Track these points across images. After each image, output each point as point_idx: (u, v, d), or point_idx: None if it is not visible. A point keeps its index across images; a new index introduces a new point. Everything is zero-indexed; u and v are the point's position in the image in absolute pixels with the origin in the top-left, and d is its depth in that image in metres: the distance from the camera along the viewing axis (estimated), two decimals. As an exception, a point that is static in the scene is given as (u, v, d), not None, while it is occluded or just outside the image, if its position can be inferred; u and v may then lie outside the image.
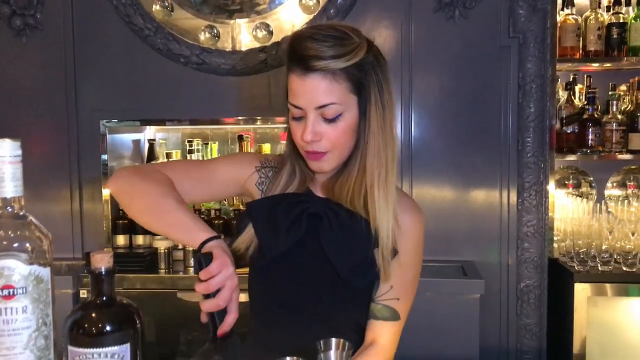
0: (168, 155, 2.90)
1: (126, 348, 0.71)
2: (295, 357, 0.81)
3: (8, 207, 0.74)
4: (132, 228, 2.68)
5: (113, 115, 2.70)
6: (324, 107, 1.15)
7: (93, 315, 0.72)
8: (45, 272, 0.73)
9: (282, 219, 1.22)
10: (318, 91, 1.14)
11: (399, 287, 1.24)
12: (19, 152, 0.74)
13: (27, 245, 0.73)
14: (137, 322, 0.74)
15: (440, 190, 2.64)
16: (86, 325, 0.71)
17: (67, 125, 2.76)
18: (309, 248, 1.23)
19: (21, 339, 0.70)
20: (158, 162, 1.11)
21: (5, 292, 0.69)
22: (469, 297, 2.35)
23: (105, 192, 2.70)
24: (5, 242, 0.72)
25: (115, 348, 0.70)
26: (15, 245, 0.73)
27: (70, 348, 0.70)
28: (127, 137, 2.87)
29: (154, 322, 2.43)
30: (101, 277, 0.73)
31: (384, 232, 1.20)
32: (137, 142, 2.94)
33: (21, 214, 0.75)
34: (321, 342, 0.85)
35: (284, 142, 1.34)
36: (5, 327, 0.70)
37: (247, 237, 1.26)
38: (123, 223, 2.69)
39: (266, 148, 2.81)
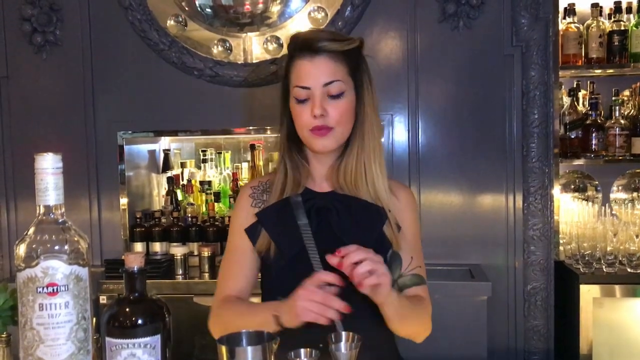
0: (182, 165, 2.99)
1: (157, 339, 0.79)
2: (309, 349, 0.88)
3: (50, 214, 0.83)
4: (149, 235, 2.76)
5: (130, 126, 2.79)
6: (330, 84, 1.32)
7: (127, 309, 0.80)
8: (83, 272, 0.82)
9: (292, 218, 1.33)
10: (325, 70, 1.33)
11: (416, 256, 1.38)
12: (60, 164, 0.83)
13: (68, 247, 0.82)
14: (167, 316, 0.82)
15: (447, 195, 2.71)
16: (121, 319, 0.79)
17: (86, 137, 2.84)
18: (324, 240, 1.31)
19: (64, 332, 0.79)
20: (216, 295, 1.29)
21: (50, 289, 0.78)
22: (477, 299, 2.41)
23: (123, 201, 2.79)
24: (49, 245, 0.81)
25: (147, 339, 0.78)
26: (57, 247, 0.81)
27: (107, 339, 0.78)
28: (143, 148, 2.96)
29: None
30: (134, 275, 0.81)
31: (385, 202, 1.36)
32: (152, 152, 3.03)
33: (61, 220, 0.84)
34: (332, 335, 0.92)
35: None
36: (50, 320, 0.78)
37: (265, 240, 1.37)
38: (140, 231, 2.77)
39: (277, 156, 2.89)
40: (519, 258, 2.67)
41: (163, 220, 2.79)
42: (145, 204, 2.96)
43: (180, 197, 2.90)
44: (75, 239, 0.83)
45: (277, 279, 1.38)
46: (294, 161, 1.42)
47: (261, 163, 2.90)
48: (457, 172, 2.70)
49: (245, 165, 2.93)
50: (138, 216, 2.79)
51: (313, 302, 1.13)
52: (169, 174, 2.95)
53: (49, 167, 0.81)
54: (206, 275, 2.62)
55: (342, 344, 0.90)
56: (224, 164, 2.97)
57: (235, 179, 2.90)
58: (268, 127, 2.74)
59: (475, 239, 2.69)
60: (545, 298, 2.64)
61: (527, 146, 2.63)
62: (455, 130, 2.69)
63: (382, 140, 1.48)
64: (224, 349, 0.86)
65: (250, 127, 2.75)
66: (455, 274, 2.59)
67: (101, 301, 2.55)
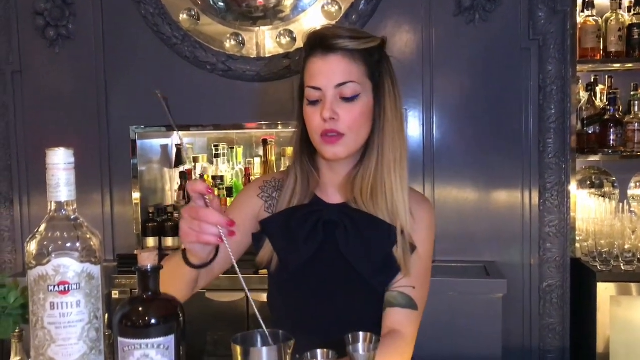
0: (195, 160, 2.98)
1: (171, 339, 0.77)
2: (326, 350, 0.86)
3: (62, 210, 0.81)
4: (162, 230, 2.75)
5: (142, 121, 2.78)
6: (342, 85, 1.22)
7: (140, 309, 0.78)
8: (95, 270, 0.80)
9: (298, 230, 1.26)
10: (338, 69, 1.22)
11: (414, 275, 1.25)
12: (72, 159, 0.81)
13: (79, 245, 0.80)
14: (181, 315, 0.80)
15: (462, 191, 2.67)
16: (134, 318, 0.77)
17: (99, 131, 2.84)
18: (329, 256, 1.26)
19: (75, 331, 0.77)
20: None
21: (61, 287, 0.76)
22: (492, 297, 2.38)
23: (135, 195, 2.78)
24: (60, 242, 0.79)
25: (160, 339, 0.76)
26: (69, 245, 0.80)
27: (120, 339, 0.76)
28: (156, 142, 2.95)
29: (182, 321, 2.48)
30: (147, 273, 0.79)
31: (403, 220, 1.23)
32: (165, 147, 3.02)
33: (73, 216, 0.82)
34: (349, 335, 0.90)
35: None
36: (61, 319, 0.76)
37: (267, 251, 1.30)
38: (153, 225, 2.76)
39: (290, 151, 2.86)
40: (534, 255, 2.64)
41: (175, 215, 2.78)
42: (158, 198, 2.95)
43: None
44: (88, 236, 0.82)
45: (280, 293, 1.33)
46: (304, 168, 1.32)
47: (273, 158, 2.88)
48: (472, 167, 2.66)
49: (257, 161, 2.91)
50: (150, 211, 2.79)
51: (193, 220, 1.00)
52: (182, 168, 2.94)
53: (60, 162, 0.79)
54: (218, 270, 2.60)
55: (360, 345, 0.87)
56: (236, 159, 2.95)
57: (247, 174, 2.88)
58: (280, 122, 2.71)
59: (491, 236, 2.66)
60: (561, 296, 2.61)
61: (543, 142, 2.59)
62: (471, 126, 2.66)
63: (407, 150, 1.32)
64: (238, 349, 0.84)
65: (263, 122, 2.73)
66: (470, 271, 2.56)
67: (113, 296, 2.55)
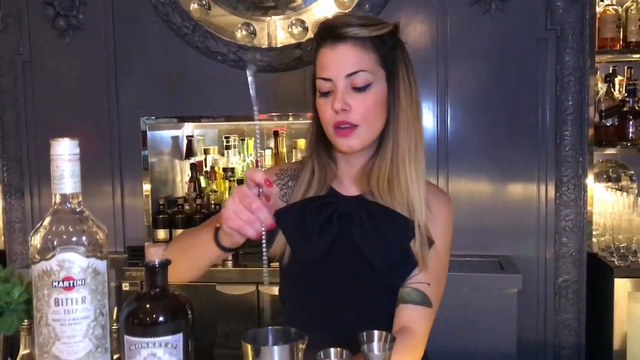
0: (206, 151, 2.95)
1: (179, 337, 0.74)
2: (339, 349, 0.83)
3: (67, 203, 0.78)
4: (172, 222, 2.73)
5: (153, 112, 2.76)
6: (353, 75, 1.18)
7: (147, 306, 0.75)
8: (101, 265, 0.77)
9: (312, 222, 1.23)
10: (348, 59, 1.18)
11: (429, 271, 1.21)
12: (77, 150, 0.78)
13: (85, 239, 0.77)
14: (189, 312, 0.77)
15: (476, 184, 2.63)
16: (141, 316, 0.74)
17: (109, 123, 2.82)
18: (343, 249, 1.22)
19: (80, 328, 0.74)
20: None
21: (66, 283, 0.73)
22: (507, 291, 2.34)
23: (146, 187, 2.76)
24: (65, 236, 0.76)
25: (168, 337, 0.73)
26: (74, 239, 0.77)
27: (126, 337, 0.73)
28: (167, 134, 2.93)
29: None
30: (155, 269, 0.76)
31: (418, 213, 1.20)
32: (175, 138, 3.00)
33: (79, 209, 0.79)
34: (363, 334, 0.87)
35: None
36: (66, 316, 0.74)
37: (280, 244, 1.26)
38: (163, 217, 2.74)
39: (301, 143, 2.84)
40: (550, 250, 2.59)
41: (186, 207, 2.76)
42: (169, 190, 2.93)
43: (203, 183, 2.87)
44: (94, 229, 0.79)
45: (292, 287, 1.30)
46: (321, 160, 1.29)
47: (285, 150, 2.85)
48: (487, 160, 2.61)
49: (268, 152, 2.88)
50: (161, 203, 2.77)
51: (242, 207, 0.99)
52: (192, 160, 2.92)
53: (65, 153, 0.76)
54: (229, 263, 2.58)
55: (375, 344, 0.84)
56: (247, 150, 2.92)
57: (258, 166, 2.85)
58: (291, 114, 2.68)
59: (505, 230, 2.61)
60: (576, 291, 2.56)
61: (560, 134, 2.54)
62: (486, 118, 2.61)
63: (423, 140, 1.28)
64: (249, 347, 0.81)
65: (274, 114, 2.70)
66: (484, 266, 2.52)
67: (124, 288, 2.54)
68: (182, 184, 3.01)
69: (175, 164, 2.99)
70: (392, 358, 0.84)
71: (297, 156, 2.80)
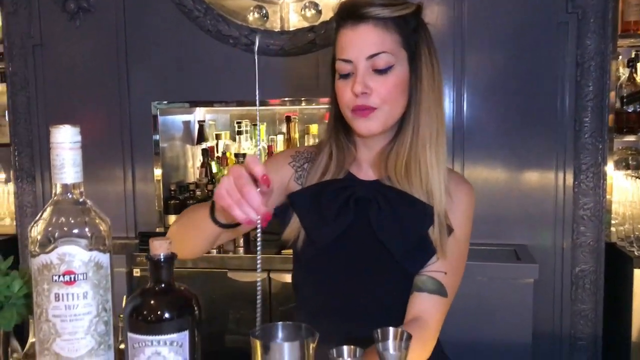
0: (217, 137, 2.92)
1: (185, 335, 0.70)
2: (352, 346, 0.79)
3: (68, 193, 0.74)
4: (184, 207, 2.69)
5: (164, 96, 2.73)
6: (375, 57, 1.14)
7: (152, 302, 0.71)
8: (104, 258, 0.74)
9: (328, 206, 1.19)
10: (369, 40, 1.14)
11: (447, 260, 1.18)
12: (79, 138, 0.74)
13: (87, 231, 0.74)
14: (196, 309, 0.73)
15: (492, 171, 2.57)
16: (145, 312, 0.70)
17: (120, 107, 2.80)
18: (360, 234, 1.19)
19: (82, 325, 0.71)
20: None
21: (67, 277, 0.70)
22: (523, 281, 2.30)
23: (157, 172, 2.74)
24: (66, 229, 0.72)
25: (174, 335, 0.69)
26: (76, 231, 0.73)
27: (130, 335, 0.70)
28: (178, 119, 2.90)
29: (204, 301, 2.47)
30: (160, 263, 0.72)
31: (438, 200, 1.17)
32: (187, 124, 2.96)
33: (81, 200, 0.76)
34: (378, 331, 0.83)
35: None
36: (67, 312, 0.70)
37: (295, 227, 1.24)
38: (175, 203, 2.72)
39: (313, 129, 2.80)
40: (567, 239, 2.54)
41: (198, 192, 2.73)
42: (180, 175, 2.90)
43: (215, 169, 2.84)
44: (96, 221, 0.75)
45: (306, 271, 1.26)
46: (339, 143, 1.25)
47: (297, 135, 2.80)
48: (504, 147, 2.56)
49: (280, 138, 2.84)
50: (172, 188, 2.74)
51: (234, 188, 0.92)
52: (204, 145, 2.88)
53: (65, 141, 0.72)
54: (240, 249, 2.56)
55: (390, 342, 0.80)
56: (259, 136, 2.88)
57: (270, 151, 2.81)
58: (304, 99, 2.63)
59: (522, 218, 2.56)
60: (594, 281, 2.51)
61: (579, 121, 2.48)
62: (503, 103, 2.55)
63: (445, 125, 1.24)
64: (258, 343, 0.78)
65: (286, 98, 2.65)
66: (499, 255, 2.47)
67: (134, 274, 2.53)
68: (193, 169, 2.99)
69: (187, 149, 2.97)
70: None
71: (310, 142, 2.76)
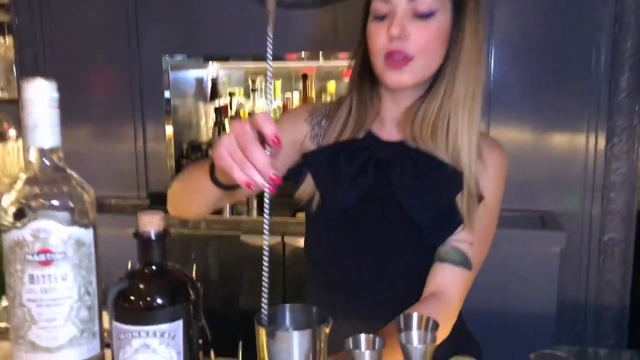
0: (231, 94, 2.81)
1: (178, 326, 0.60)
2: (371, 335, 0.70)
3: (44, 159, 0.64)
4: (196, 168, 2.62)
5: (175, 51, 2.61)
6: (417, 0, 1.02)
7: (140, 286, 0.61)
8: (87, 235, 0.64)
9: (346, 168, 1.09)
10: None
11: (474, 230, 1.08)
12: (55, 95, 0.63)
13: (68, 203, 0.64)
14: (192, 294, 0.63)
15: (520, 133, 2.44)
16: (132, 299, 0.60)
17: (129, 63, 2.69)
18: (380, 199, 1.09)
19: (61, 310, 0.61)
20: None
21: (42, 257, 0.60)
22: (549, 250, 2.19)
23: (169, 131, 2.65)
24: (41, 200, 0.62)
25: (164, 326, 0.60)
26: (55, 202, 0.63)
27: (115, 324, 0.60)
28: (191, 75, 2.79)
29: (217, 264, 2.41)
30: (150, 242, 0.62)
31: (467, 166, 1.06)
32: (200, 80, 2.85)
33: (60, 165, 0.65)
34: (401, 317, 0.73)
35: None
36: (43, 296, 0.61)
37: (309, 189, 1.14)
38: (187, 162, 2.64)
39: (331, 86, 2.67)
40: (596, 205, 2.42)
41: (210, 152, 2.64)
42: (192, 134, 2.81)
43: (228, 128, 2.74)
44: (78, 191, 0.65)
45: (319, 237, 1.16)
46: (362, 96, 1.13)
47: (313, 94, 2.68)
48: (532, 107, 2.41)
49: (296, 96, 2.72)
50: (185, 147, 2.65)
51: (236, 148, 0.78)
52: (217, 104, 2.77)
53: (39, 97, 0.62)
54: (254, 212, 2.48)
55: (415, 333, 0.70)
56: (274, 93, 2.76)
57: (285, 110, 2.70)
58: (322, 54, 2.50)
59: (549, 183, 2.44)
60: (623, 250, 2.40)
61: (615, 80, 2.33)
62: (534, 62, 2.39)
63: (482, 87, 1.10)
64: (262, 332, 0.68)
65: (302, 53, 2.52)
66: (524, 222, 2.35)
67: (145, 235, 2.46)
68: (206, 128, 2.89)
69: (200, 107, 2.86)
70: None
71: (327, 100, 2.64)
